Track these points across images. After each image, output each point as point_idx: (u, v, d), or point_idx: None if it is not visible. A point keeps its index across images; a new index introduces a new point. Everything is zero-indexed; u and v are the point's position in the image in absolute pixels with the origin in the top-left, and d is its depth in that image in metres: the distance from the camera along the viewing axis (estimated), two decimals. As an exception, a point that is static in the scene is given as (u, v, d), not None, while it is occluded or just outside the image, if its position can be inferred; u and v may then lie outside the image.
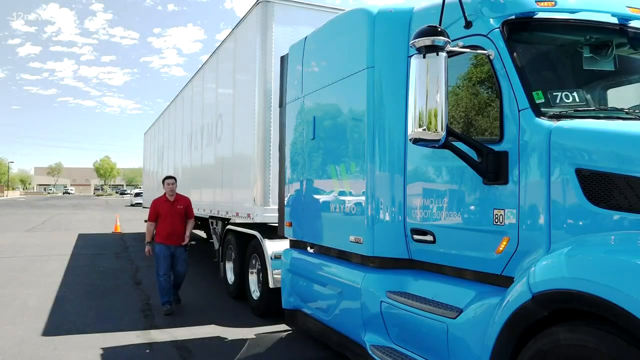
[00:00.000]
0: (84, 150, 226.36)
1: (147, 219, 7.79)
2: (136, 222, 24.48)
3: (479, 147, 3.22)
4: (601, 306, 2.29)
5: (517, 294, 2.72)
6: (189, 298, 8.29)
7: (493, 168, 3.18)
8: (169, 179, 7.65)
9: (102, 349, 5.63)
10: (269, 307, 6.88)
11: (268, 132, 7.12)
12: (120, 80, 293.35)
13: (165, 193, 7.66)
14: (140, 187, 53.06)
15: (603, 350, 2.29)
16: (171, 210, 7.48)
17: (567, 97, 3.23)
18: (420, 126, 2.99)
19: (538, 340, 2.60)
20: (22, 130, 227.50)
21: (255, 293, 7.40)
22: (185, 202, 7.69)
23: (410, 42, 3.08)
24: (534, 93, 3.10)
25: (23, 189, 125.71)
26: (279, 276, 6.17)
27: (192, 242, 7.69)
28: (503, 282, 3.11)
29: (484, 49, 3.30)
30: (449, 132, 3.11)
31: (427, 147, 3.21)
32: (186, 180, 12.54)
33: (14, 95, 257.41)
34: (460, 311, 3.31)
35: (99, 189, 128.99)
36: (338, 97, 4.78)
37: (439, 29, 2.99)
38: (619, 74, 3.53)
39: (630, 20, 3.45)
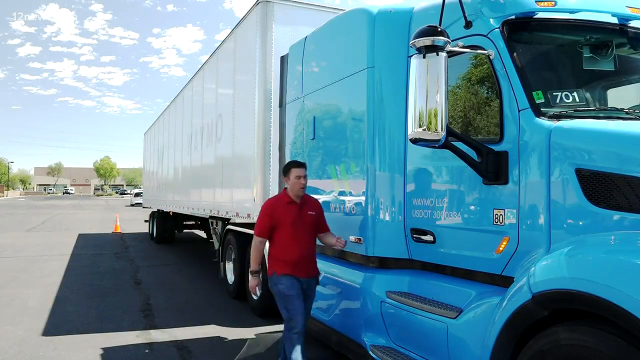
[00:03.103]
0: (84, 150, 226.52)
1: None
2: (136, 222, 24.50)
3: (479, 147, 3.22)
4: (601, 306, 2.29)
5: (517, 294, 2.72)
6: (189, 298, 8.30)
7: (493, 168, 3.18)
8: (298, 167, 4.42)
9: (102, 349, 5.63)
10: (269, 307, 6.86)
11: (268, 132, 7.12)
12: (120, 81, 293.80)
13: (285, 190, 4.49)
14: (140, 187, 53.07)
15: (603, 350, 2.29)
16: (300, 218, 4.38)
17: (567, 97, 3.23)
18: (420, 126, 3.00)
19: (538, 340, 2.60)
20: (22, 130, 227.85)
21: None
22: (318, 207, 4.60)
23: (410, 42, 3.08)
24: (534, 93, 3.10)
25: (23, 189, 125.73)
26: (279, 276, 6.16)
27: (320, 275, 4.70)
28: (503, 282, 3.11)
29: (484, 49, 3.30)
30: (449, 132, 3.11)
31: (427, 147, 3.22)
32: (186, 180, 12.56)
33: (14, 95, 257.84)
34: (460, 311, 3.31)
35: (99, 189, 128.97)
36: (338, 97, 4.78)
37: (439, 29, 3.00)
38: (619, 74, 3.53)
39: (630, 20, 3.45)
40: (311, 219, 4.44)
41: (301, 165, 4.45)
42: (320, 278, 4.61)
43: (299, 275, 4.32)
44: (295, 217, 4.36)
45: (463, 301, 3.36)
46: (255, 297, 4.37)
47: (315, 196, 5.17)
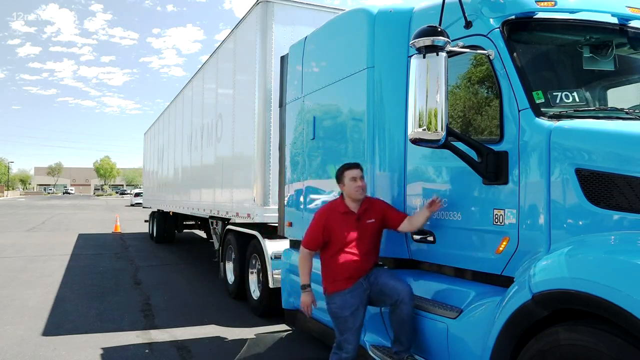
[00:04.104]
0: (84, 150, 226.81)
1: (303, 241, 4.02)
2: (136, 223, 24.50)
3: (479, 147, 3.22)
4: (601, 306, 2.29)
5: (517, 294, 2.72)
6: (189, 298, 8.30)
7: (493, 168, 3.17)
8: (352, 169, 3.93)
9: (102, 349, 5.63)
10: (269, 307, 6.88)
11: (268, 132, 7.13)
12: (119, 81, 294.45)
13: (341, 197, 4.01)
14: (140, 187, 53.08)
15: (603, 350, 2.28)
16: (358, 232, 3.84)
17: (567, 97, 3.22)
18: (420, 126, 3.00)
19: (538, 340, 2.60)
20: (22, 130, 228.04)
21: (255, 293, 7.40)
22: (379, 208, 3.93)
23: (410, 42, 3.08)
24: (533, 93, 3.10)
25: (23, 189, 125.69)
26: (279, 276, 6.17)
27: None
28: (503, 282, 3.11)
29: (484, 49, 3.29)
30: (449, 132, 3.11)
31: (427, 147, 3.21)
32: (186, 180, 12.56)
33: (14, 95, 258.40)
34: (460, 311, 3.31)
35: (99, 189, 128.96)
36: (338, 97, 4.78)
37: (439, 29, 3.00)
38: (619, 74, 3.52)
39: (630, 20, 3.44)
40: (372, 228, 3.86)
41: (355, 165, 3.92)
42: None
43: (354, 281, 3.80)
44: (351, 233, 3.80)
45: (463, 301, 3.36)
46: (307, 316, 3.94)
47: (315, 196, 5.17)
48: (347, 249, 3.80)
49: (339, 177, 3.95)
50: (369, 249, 3.86)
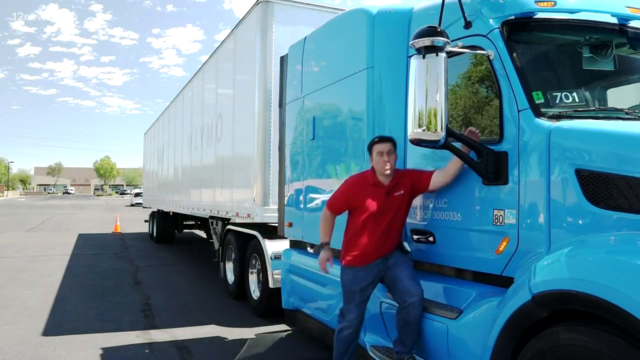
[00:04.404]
0: (84, 150, 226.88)
1: (328, 204, 4.04)
2: (136, 223, 24.50)
3: (479, 148, 3.22)
4: (601, 307, 2.29)
5: (517, 295, 2.72)
6: (189, 298, 8.30)
7: (493, 168, 3.17)
8: (380, 143, 3.77)
9: (102, 349, 5.63)
10: (269, 307, 6.88)
11: (268, 132, 7.13)
12: (119, 81, 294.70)
13: (372, 169, 3.85)
14: (140, 187, 53.09)
15: (603, 350, 2.28)
16: (385, 206, 3.75)
17: (566, 97, 3.22)
18: (420, 126, 3.00)
19: (538, 341, 2.60)
20: (22, 130, 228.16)
21: (255, 293, 7.40)
22: (408, 179, 3.78)
23: (410, 43, 3.08)
24: (533, 93, 3.10)
25: (23, 189, 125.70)
26: (279, 276, 6.18)
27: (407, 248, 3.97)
28: (503, 282, 3.11)
29: (483, 49, 3.29)
30: (449, 132, 3.11)
31: (426, 147, 3.21)
32: (186, 180, 12.56)
33: (14, 95, 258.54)
34: (460, 312, 3.31)
35: (99, 189, 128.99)
36: (338, 97, 4.78)
37: (439, 29, 3.00)
38: (619, 74, 3.52)
39: (630, 20, 3.44)
40: (400, 200, 3.75)
41: (385, 139, 3.76)
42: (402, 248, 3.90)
43: (371, 259, 3.78)
44: (378, 205, 3.72)
45: (463, 302, 3.36)
46: (326, 274, 4.06)
47: (315, 196, 5.16)
48: (370, 224, 3.76)
49: (369, 150, 3.86)
50: (393, 225, 3.79)
